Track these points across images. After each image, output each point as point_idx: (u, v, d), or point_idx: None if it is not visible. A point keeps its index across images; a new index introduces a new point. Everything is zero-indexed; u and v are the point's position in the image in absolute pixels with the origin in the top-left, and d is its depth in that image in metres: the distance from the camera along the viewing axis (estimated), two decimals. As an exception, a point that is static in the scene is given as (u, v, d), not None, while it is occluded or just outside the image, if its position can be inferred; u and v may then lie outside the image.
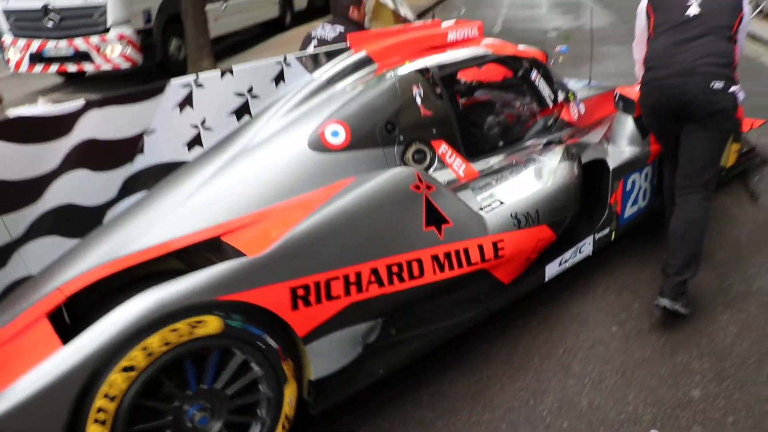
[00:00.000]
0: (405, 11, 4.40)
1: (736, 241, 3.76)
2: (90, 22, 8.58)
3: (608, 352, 2.90)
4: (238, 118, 2.91)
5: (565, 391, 2.67)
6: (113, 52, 8.68)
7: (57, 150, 2.45)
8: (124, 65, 8.74)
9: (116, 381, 1.91)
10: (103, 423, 1.90)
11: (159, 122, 2.69)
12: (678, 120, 3.06)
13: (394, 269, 2.45)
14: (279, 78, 3.02)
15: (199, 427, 2.12)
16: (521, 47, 3.77)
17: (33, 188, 2.41)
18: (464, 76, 3.70)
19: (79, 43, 8.59)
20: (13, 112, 2.32)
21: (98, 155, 2.57)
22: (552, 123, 3.62)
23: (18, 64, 8.81)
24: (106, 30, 8.57)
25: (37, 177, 2.41)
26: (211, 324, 2.05)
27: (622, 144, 3.49)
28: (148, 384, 1.98)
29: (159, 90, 2.69)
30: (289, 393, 2.27)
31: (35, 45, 8.70)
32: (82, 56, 8.70)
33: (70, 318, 2.31)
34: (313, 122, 2.90)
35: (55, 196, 2.47)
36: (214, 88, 2.82)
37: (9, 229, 2.34)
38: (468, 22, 3.67)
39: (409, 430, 2.52)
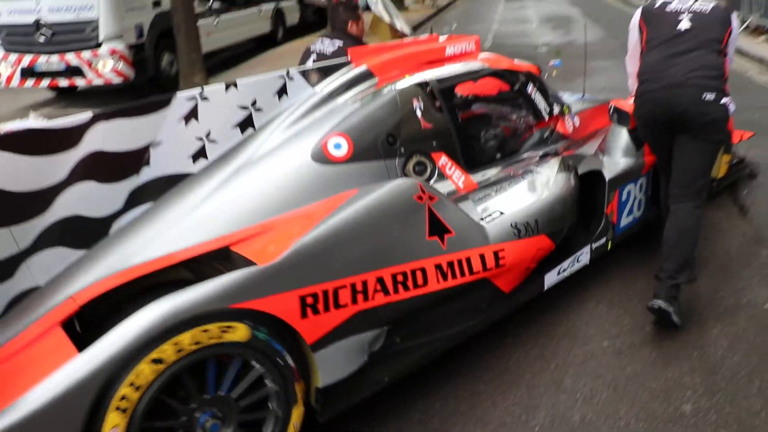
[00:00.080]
0: (401, 25, 4.48)
1: (725, 254, 3.79)
2: (82, 37, 8.61)
3: (600, 366, 2.90)
4: (242, 130, 2.95)
5: (557, 407, 2.66)
6: (105, 67, 8.70)
7: (65, 162, 2.48)
8: (116, 80, 8.76)
9: (144, 371, 1.95)
10: (123, 411, 1.93)
11: (165, 135, 2.73)
12: (671, 131, 3.14)
13: (399, 278, 2.49)
14: (282, 91, 3.07)
15: None
16: (516, 61, 3.85)
17: (41, 200, 2.44)
18: (462, 90, 3.77)
19: (71, 58, 8.61)
20: (5, 127, 2.34)
21: (105, 167, 2.60)
22: (548, 135, 3.69)
23: (9, 79, 8.82)
24: (98, 45, 8.60)
25: (46, 188, 2.44)
26: (240, 331, 2.11)
27: (617, 155, 3.57)
28: (170, 381, 2.02)
29: (165, 103, 2.74)
30: (296, 416, 2.29)
31: (27, 59, 8.71)
32: (73, 71, 8.72)
33: (81, 327, 2.33)
34: (315, 135, 2.95)
35: (62, 208, 2.49)
36: (218, 102, 2.87)
37: (17, 240, 2.36)
38: (465, 37, 3.74)
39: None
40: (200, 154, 2.84)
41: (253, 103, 2.97)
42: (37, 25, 8.62)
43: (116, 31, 8.66)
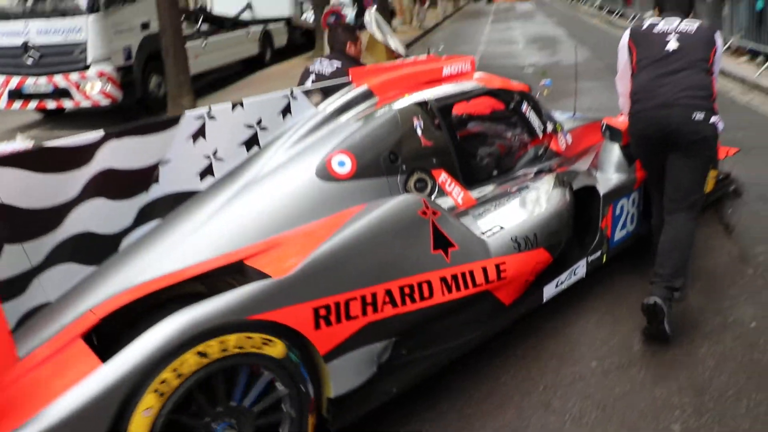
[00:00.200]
0: (395, 45, 4.59)
1: (712, 273, 3.82)
2: (70, 59, 8.64)
3: (588, 387, 2.89)
4: (248, 148, 3.01)
5: (546, 428, 2.66)
6: (93, 89, 8.73)
7: (77, 179, 2.52)
8: (104, 102, 8.79)
9: (189, 360, 2.01)
10: (161, 395, 1.96)
11: (173, 153, 2.79)
12: (664, 148, 3.26)
13: (406, 290, 2.55)
14: (286, 111, 3.14)
15: None
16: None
17: (53, 216, 2.48)
18: (460, 109, 3.87)
19: (59, 80, 8.63)
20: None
21: (116, 184, 2.64)
22: (542, 152, 3.80)
23: (-4, 101, 8.82)
24: (86, 67, 8.64)
25: (58, 205, 2.48)
26: (278, 347, 2.18)
27: (610, 171, 3.69)
28: (206, 378, 2.07)
29: (174, 122, 2.80)
30: None
31: (14, 81, 8.72)
32: (61, 93, 8.74)
33: (97, 340, 2.35)
34: (320, 153, 3.02)
35: (73, 224, 2.53)
36: (225, 120, 2.93)
37: (29, 257, 2.39)
38: (461, 58, 3.85)
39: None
40: (207, 171, 2.90)
41: (259, 122, 3.04)
42: (25, 47, 8.64)
43: (104, 53, 8.71)
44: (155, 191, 2.76)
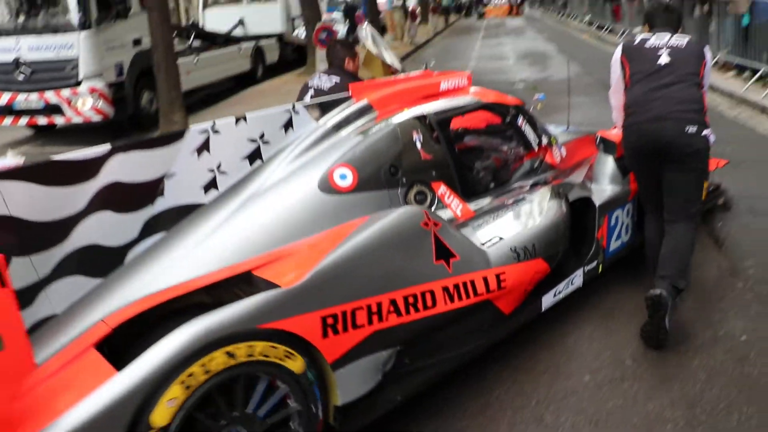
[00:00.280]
0: (391, 59, 4.66)
1: (702, 286, 3.83)
2: (62, 75, 8.66)
3: (581, 401, 2.89)
4: (251, 162, 3.06)
5: None
6: (84, 105, 8.75)
7: (84, 192, 2.56)
8: (95, 118, 8.80)
9: (217, 358, 2.07)
10: (187, 387, 2.02)
11: (178, 166, 2.83)
12: (657, 160, 3.33)
13: (410, 300, 2.60)
14: (288, 125, 3.19)
15: None
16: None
17: (60, 229, 2.51)
18: (458, 123, 3.93)
19: (50, 96, 8.65)
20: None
21: (122, 197, 2.68)
22: (538, 165, 3.87)
23: (-13, 117, 8.81)
24: (78, 83, 8.66)
25: (65, 218, 2.51)
26: (298, 362, 2.26)
27: (604, 182, 3.77)
28: (230, 380, 2.13)
29: (179, 136, 2.84)
30: None
31: (5, 97, 8.73)
32: (53, 109, 8.75)
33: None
34: (322, 166, 3.07)
35: (80, 237, 2.56)
36: (229, 135, 2.98)
37: (36, 269, 2.41)
38: (457, 73, 3.93)
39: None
40: (212, 185, 2.94)
41: (261, 136, 3.09)
42: (17, 63, 8.66)
43: (96, 70, 8.74)
44: (160, 204, 2.80)
